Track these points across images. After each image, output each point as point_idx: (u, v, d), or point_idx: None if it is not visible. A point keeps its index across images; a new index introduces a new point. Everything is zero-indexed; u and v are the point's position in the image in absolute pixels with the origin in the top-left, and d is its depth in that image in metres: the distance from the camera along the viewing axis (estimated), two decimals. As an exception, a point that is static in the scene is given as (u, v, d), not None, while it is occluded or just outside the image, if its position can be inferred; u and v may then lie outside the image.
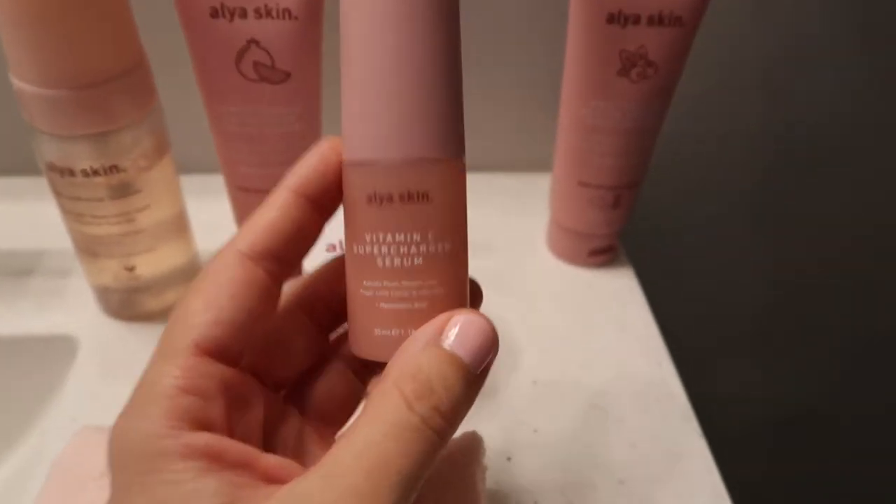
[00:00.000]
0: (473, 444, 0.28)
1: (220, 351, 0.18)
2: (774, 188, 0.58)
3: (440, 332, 0.18)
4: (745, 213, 0.60)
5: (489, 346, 0.18)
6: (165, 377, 0.17)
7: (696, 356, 0.46)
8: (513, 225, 0.49)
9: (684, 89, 0.40)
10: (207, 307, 0.18)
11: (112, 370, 0.37)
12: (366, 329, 0.19)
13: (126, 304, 0.38)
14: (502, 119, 0.50)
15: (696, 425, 0.37)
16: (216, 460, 0.16)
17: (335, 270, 0.22)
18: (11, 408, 0.39)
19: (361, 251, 0.19)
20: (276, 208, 0.20)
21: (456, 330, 0.18)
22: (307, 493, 0.16)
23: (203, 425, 0.17)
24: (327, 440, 0.21)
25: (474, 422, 0.36)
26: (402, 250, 0.19)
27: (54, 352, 0.38)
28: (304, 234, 0.20)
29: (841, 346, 0.69)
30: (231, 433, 0.18)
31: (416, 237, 0.19)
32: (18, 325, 0.39)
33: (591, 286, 0.45)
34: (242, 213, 0.40)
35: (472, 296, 0.21)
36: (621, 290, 0.45)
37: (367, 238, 0.19)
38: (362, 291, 0.19)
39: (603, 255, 0.46)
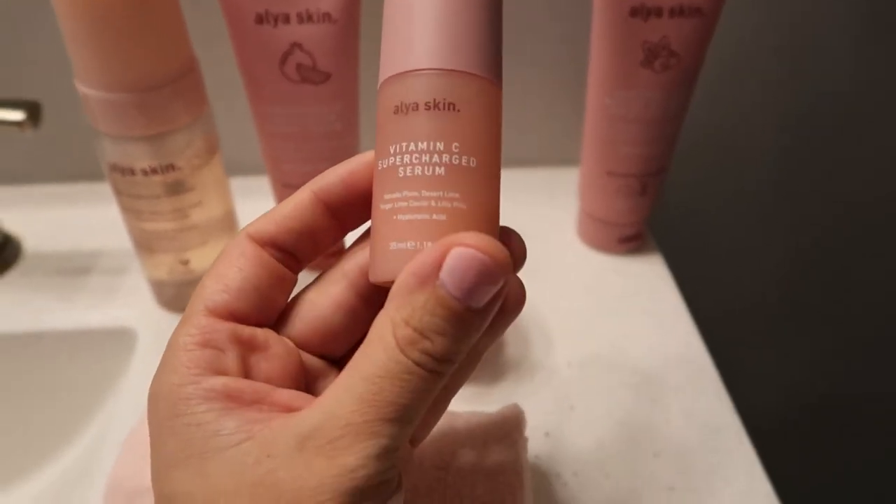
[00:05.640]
0: (515, 412, 0.30)
1: (229, 312, 0.20)
2: (798, 171, 0.58)
3: (438, 264, 0.17)
4: (770, 197, 0.60)
5: (489, 281, 0.17)
6: (182, 336, 0.19)
7: (723, 339, 0.47)
8: (543, 216, 0.50)
9: (706, 76, 0.42)
10: (217, 280, 0.20)
11: (169, 359, 0.39)
12: (383, 247, 0.19)
13: (180, 296, 0.41)
14: (528, 115, 0.52)
15: (728, 402, 0.38)
16: (235, 399, 0.18)
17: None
18: (79, 396, 0.42)
19: (385, 164, 0.19)
20: (292, 205, 0.21)
21: (452, 264, 0.17)
22: (311, 428, 0.17)
23: (220, 372, 0.19)
24: None
25: (510, 400, 0.37)
26: (423, 159, 0.18)
27: (116, 343, 0.41)
28: (314, 236, 0.21)
29: (870, 331, 0.69)
30: (248, 378, 0.19)
31: (440, 146, 0.18)
32: (81, 319, 0.42)
33: (621, 273, 0.46)
34: (286, 209, 0.42)
35: (514, 257, 0.19)
36: (650, 276, 0.46)
37: (391, 149, 0.19)
38: (381, 206, 0.19)
39: (632, 241, 0.47)
